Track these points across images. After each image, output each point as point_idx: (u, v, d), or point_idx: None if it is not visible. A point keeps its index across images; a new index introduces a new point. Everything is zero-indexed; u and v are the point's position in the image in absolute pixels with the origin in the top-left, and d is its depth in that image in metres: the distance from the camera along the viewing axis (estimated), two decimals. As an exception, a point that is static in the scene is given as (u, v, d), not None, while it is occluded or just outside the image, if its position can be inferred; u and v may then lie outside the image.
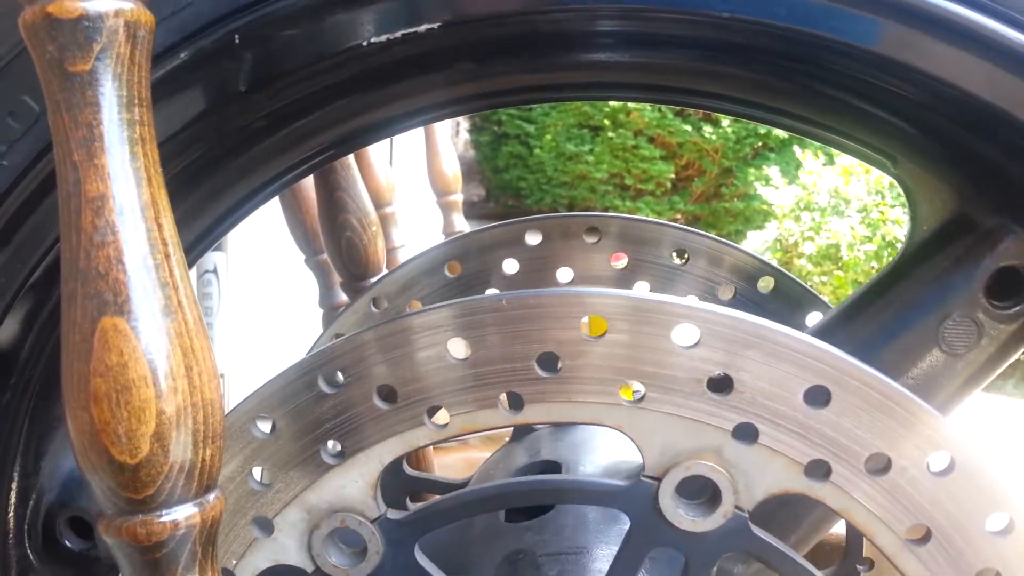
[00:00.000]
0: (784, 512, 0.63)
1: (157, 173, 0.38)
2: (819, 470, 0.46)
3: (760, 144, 6.35)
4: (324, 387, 0.48)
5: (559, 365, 0.47)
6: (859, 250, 4.36)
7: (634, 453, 0.48)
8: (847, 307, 0.68)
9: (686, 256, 0.94)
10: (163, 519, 0.38)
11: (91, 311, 0.36)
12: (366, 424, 0.48)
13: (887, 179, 3.21)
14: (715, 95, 0.65)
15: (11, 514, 0.60)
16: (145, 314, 0.37)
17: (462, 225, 1.64)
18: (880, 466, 0.45)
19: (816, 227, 4.60)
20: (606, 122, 6.41)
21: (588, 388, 0.47)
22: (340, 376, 0.48)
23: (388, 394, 0.48)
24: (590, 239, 0.95)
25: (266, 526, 0.49)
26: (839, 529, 0.89)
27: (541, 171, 6.75)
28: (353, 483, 0.49)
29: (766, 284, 0.92)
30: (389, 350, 0.47)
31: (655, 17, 0.56)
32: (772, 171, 5.39)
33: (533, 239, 0.96)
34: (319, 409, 0.48)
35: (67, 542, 0.62)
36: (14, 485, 0.60)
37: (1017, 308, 0.60)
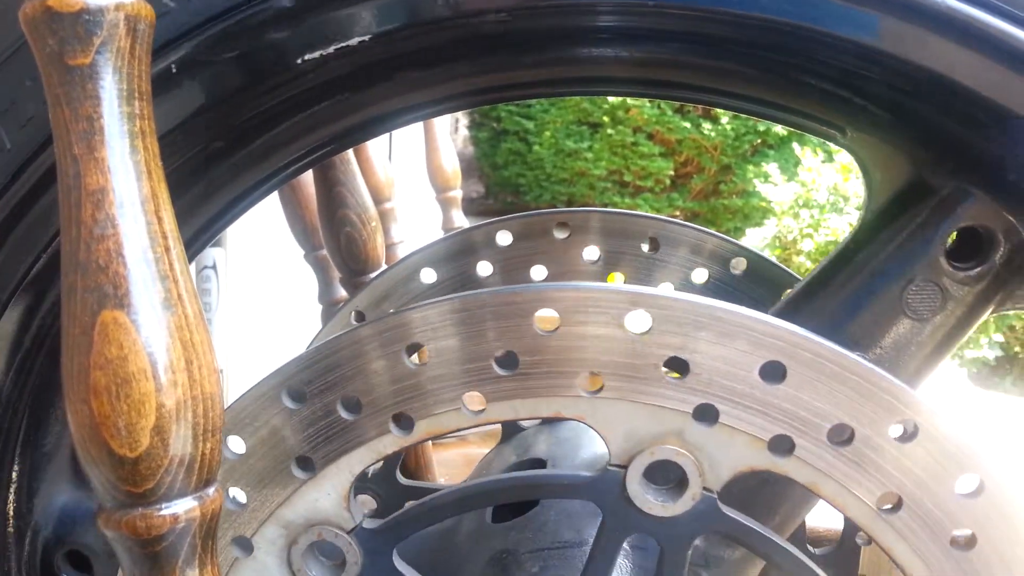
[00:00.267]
0: (764, 493, 0.63)
1: (157, 166, 0.39)
2: (782, 445, 0.46)
3: (759, 141, 6.36)
4: (288, 403, 0.48)
5: (518, 362, 0.47)
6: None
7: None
8: (809, 282, 0.68)
9: (658, 245, 0.94)
10: (163, 512, 0.38)
11: (91, 304, 0.36)
12: (333, 436, 0.48)
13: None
14: (662, 83, 0.65)
15: (11, 554, 0.60)
16: (145, 307, 0.37)
17: (461, 221, 1.63)
18: (843, 437, 0.46)
19: (815, 224, 4.61)
20: (605, 119, 6.41)
21: (547, 383, 0.47)
22: (304, 390, 0.48)
23: (352, 405, 0.48)
24: (560, 235, 0.95)
25: (246, 545, 0.49)
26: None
27: (540, 167, 6.75)
28: (326, 496, 0.49)
29: (738, 265, 0.93)
30: (349, 361, 0.48)
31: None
32: (771, 168, 5.40)
33: (504, 240, 0.96)
34: (286, 425, 0.48)
35: (66, 576, 0.62)
36: (11, 526, 0.60)
37: (979, 269, 0.60)
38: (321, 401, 0.48)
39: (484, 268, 0.97)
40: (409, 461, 1.21)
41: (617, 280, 0.95)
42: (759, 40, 0.57)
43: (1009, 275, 0.60)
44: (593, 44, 0.60)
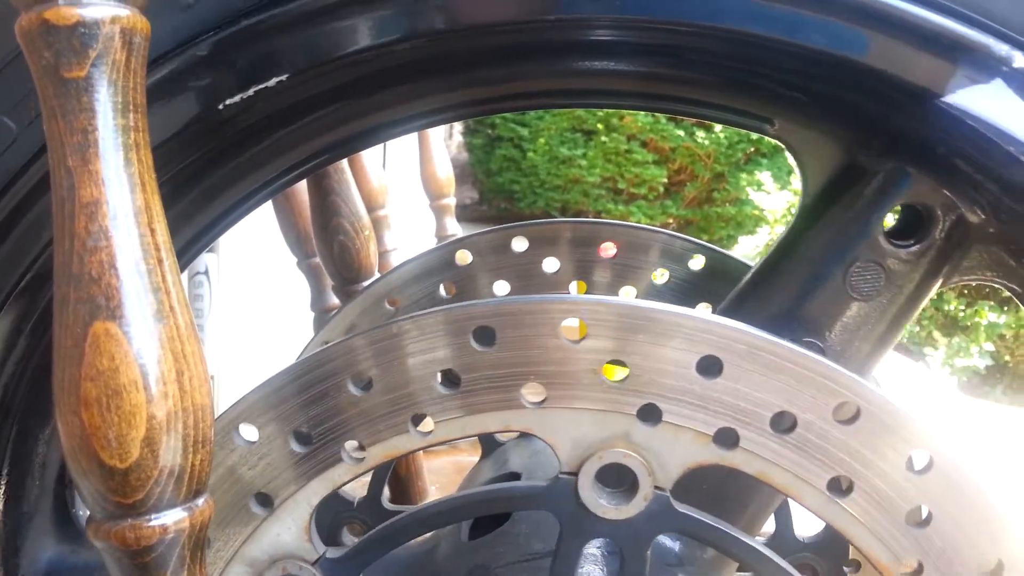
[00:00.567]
0: (730, 489, 0.63)
1: (151, 178, 0.39)
2: (728, 438, 0.46)
3: (752, 149, 6.37)
4: (240, 441, 0.49)
5: (460, 380, 0.47)
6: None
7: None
8: (754, 276, 0.68)
9: (615, 250, 0.94)
10: (152, 523, 0.38)
11: (83, 315, 0.36)
12: (287, 469, 0.49)
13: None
14: (590, 91, 0.66)
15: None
16: (137, 319, 0.37)
17: (455, 228, 1.63)
18: (786, 424, 0.46)
19: (807, 233, 4.61)
20: (599, 126, 6.42)
21: (491, 398, 0.48)
22: (254, 427, 0.49)
23: (303, 437, 0.48)
24: (520, 248, 0.96)
25: None
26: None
27: (534, 174, 6.76)
28: (287, 530, 0.49)
29: (696, 263, 0.93)
30: (294, 395, 0.48)
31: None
32: (764, 176, 5.40)
33: (464, 259, 0.97)
34: (242, 463, 0.49)
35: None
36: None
37: (919, 246, 0.60)
38: (272, 436, 0.48)
39: (447, 289, 0.98)
40: (400, 470, 1.20)
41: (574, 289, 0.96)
42: (681, 43, 0.58)
43: (951, 248, 0.60)
44: (594, 58, 0.61)
